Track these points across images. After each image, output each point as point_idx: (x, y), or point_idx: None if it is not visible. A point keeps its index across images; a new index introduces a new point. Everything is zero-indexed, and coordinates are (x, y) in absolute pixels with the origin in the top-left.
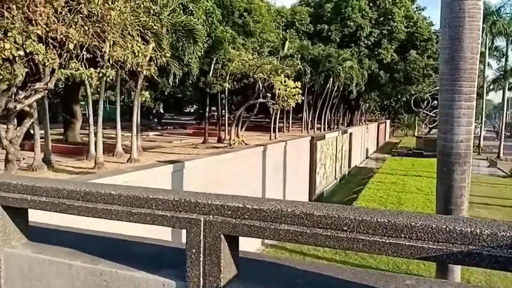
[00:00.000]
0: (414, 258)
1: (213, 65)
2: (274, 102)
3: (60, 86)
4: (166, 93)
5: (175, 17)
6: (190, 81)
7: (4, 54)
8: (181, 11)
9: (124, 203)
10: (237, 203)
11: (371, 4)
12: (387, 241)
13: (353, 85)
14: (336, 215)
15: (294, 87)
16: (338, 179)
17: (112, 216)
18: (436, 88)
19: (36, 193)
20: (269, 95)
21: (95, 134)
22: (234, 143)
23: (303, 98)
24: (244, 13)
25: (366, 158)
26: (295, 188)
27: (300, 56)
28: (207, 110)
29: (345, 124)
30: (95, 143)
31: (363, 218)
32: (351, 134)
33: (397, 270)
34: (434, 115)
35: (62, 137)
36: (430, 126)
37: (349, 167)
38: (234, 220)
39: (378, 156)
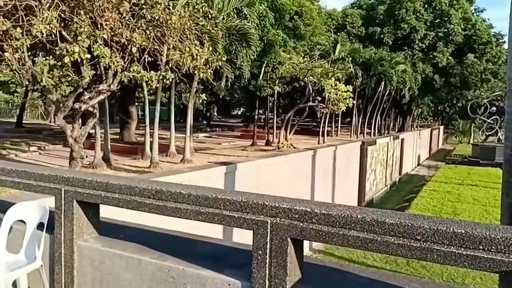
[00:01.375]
0: (493, 272)
1: (263, 68)
2: (324, 105)
3: (117, 88)
4: (220, 96)
5: (229, 21)
6: (241, 84)
7: (73, 57)
8: (235, 15)
9: (193, 202)
10: (305, 207)
11: (426, 6)
12: (464, 253)
13: (406, 89)
14: (409, 224)
15: (345, 91)
16: (388, 186)
17: (181, 215)
18: (495, 94)
19: (110, 190)
20: (319, 98)
21: (151, 135)
22: (283, 146)
23: (354, 101)
24: (294, 16)
25: (418, 165)
26: (344, 193)
27: (351, 59)
28: (256, 112)
29: (396, 129)
30: (150, 143)
31: (438, 227)
32: (402, 139)
33: (452, 284)
34: (492, 122)
35: (118, 136)
36: (487, 133)
37: (400, 174)
38: (301, 224)
39: (430, 163)
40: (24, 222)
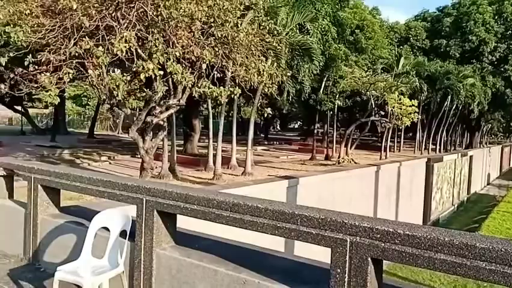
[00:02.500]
0: None
1: (323, 83)
2: (387, 120)
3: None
4: (278, 111)
5: (292, 37)
6: (302, 98)
7: (148, 74)
8: (297, 31)
9: (270, 217)
10: (387, 226)
11: (496, 17)
12: None
13: (475, 104)
14: (502, 249)
15: (409, 105)
16: (456, 206)
17: (258, 228)
18: None
19: (189, 201)
20: (382, 112)
21: (213, 148)
22: (343, 161)
23: (419, 116)
24: (355, 30)
25: (488, 184)
26: (409, 212)
27: (415, 72)
28: (315, 126)
29: (463, 146)
30: (213, 155)
31: None
32: (471, 156)
33: None
34: None
35: (181, 148)
36: None
37: (468, 193)
38: (382, 244)
39: (501, 182)
40: (108, 230)
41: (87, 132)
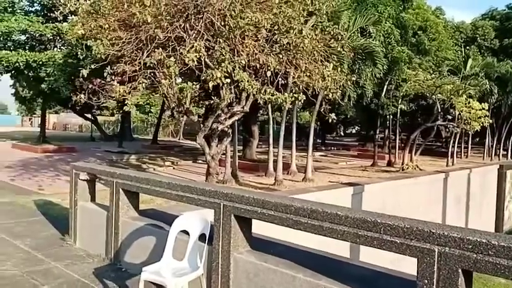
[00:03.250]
0: None
1: (385, 86)
2: (455, 125)
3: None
4: (347, 116)
5: (354, 41)
6: (364, 103)
7: (216, 82)
8: (359, 34)
9: (351, 225)
10: (479, 237)
11: None
12: None
13: None
14: None
15: (480, 109)
16: None
17: (338, 236)
18: None
19: (266, 207)
20: (449, 117)
21: (273, 153)
22: (407, 168)
23: (490, 120)
24: (418, 31)
25: None
26: (479, 221)
27: (484, 74)
28: (377, 132)
29: None
30: (273, 161)
31: None
32: None
33: None
34: None
35: (240, 154)
36: None
37: None
38: (474, 255)
39: None
40: (187, 233)
41: (150, 138)
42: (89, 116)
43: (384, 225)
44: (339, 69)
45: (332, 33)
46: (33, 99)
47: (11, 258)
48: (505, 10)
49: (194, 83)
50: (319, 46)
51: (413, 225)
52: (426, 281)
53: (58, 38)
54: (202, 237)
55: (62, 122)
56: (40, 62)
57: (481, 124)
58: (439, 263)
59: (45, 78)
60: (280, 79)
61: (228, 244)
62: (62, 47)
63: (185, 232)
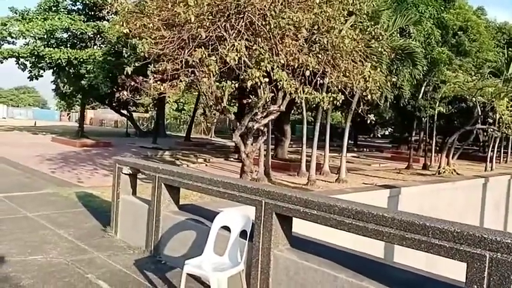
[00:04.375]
0: None
1: (423, 88)
2: (495, 129)
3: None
4: (387, 117)
5: (394, 41)
6: (401, 104)
7: (254, 81)
8: (398, 34)
9: (397, 227)
10: None
11: None
12: None
13: None
14: None
15: None
16: None
17: (383, 238)
18: None
19: (309, 206)
20: (490, 120)
21: (307, 154)
22: (444, 172)
23: None
24: (458, 32)
25: None
26: None
27: None
28: (413, 134)
29: None
30: (306, 161)
31: None
32: None
33: None
34: None
35: (272, 153)
36: None
37: None
38: None
39: None
40: (229, 229)
41: (183, 135)
42: (124, 112)
43: (433, 229)
44: (378, 69)
45: (372, 33)
46: (73, 95)
47: (57, 247)
48: None
49: (233, 81)
50: (359, 46)
51: (464, 230)
52: (475, 286)
53: (98, 36)
54: (243, 233)
55: (99, 118)
56: (81, 59)
57: None
58: (490, 269)
59: (85, 75)
60: (318, 79)
61: (268, 241)
62: (102, 45)
63: (227, 228)
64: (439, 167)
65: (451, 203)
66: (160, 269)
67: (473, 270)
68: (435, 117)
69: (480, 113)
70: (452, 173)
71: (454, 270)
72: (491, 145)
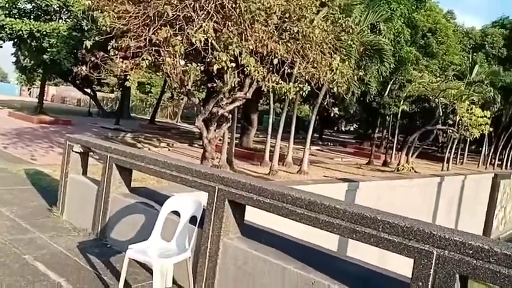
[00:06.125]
0: None
1: (389, 85)
2: (454, 130)
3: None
4: (351, 111)
5: (364, 36)
6: (367, 100)
7: (221, 65)
8: (368, 30)
9: (348, 219)
10: (481, 243)
11: None
12: None
13: None
14: None
15: (481, 116)
16: None
17: (334, 230)
18: None
19: (263, 194)
20: (450, 122)
21: (271, 144)
22: (403, 169)
23: (490, 128)
24: (427, 33)
25: None
26: (468, 228)
27: (489, 82)
28: (376, 131)
29: None
30: (270, 151)
31: None
32: None
33: None
34: None
35: (237, 141)
36: None
37: None
38: (474, 261)
39: None
40: (179, 214)
41: (148, 118)
42: (88, 90)
43: (384, 223)
44: (346, 62)
45: (343, 25)
46: (34, 69)
47: None
48: None
49: (198, 64)
50: (329, 38)
51: (413, 225)
52: (420, 283)
53: (64, 9)
54: (193, 219)
55: (61, 95)
56: (44, 32)
57: (481, 132)
58: (436, 266)
59: (48, 49)
60: (286, 68)
61: (218, 229)
62: (67, 19)
63: (177, 213)
64: (398, 164)
65: (406, 199)
66: (105, 253)
67: (419, 267)
68: (399, 116)
69: (441, 114)
70: (410, 170)
71: (404, 265)
72: (449, 146)
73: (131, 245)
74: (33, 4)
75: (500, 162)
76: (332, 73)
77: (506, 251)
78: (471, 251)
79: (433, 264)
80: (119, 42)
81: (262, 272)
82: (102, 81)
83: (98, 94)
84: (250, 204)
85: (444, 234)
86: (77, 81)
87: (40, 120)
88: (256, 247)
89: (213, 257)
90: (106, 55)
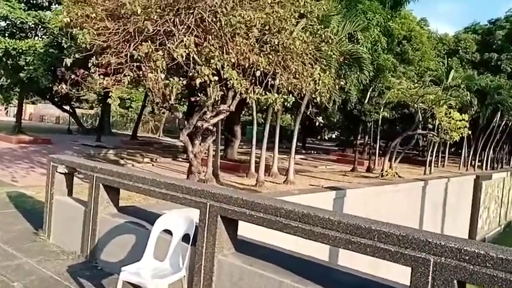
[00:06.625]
0: None
1: (369, 93)
2: (435, 134)
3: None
4: (335, 120)
5: (343, 46)
6: (348, 108)
7: (203, 79)
8: (346, 39)
9: (343, 230)
10: (477, 248)
11: None
12: None
13: None
14: None
15: (459, 120)
16: (502, 226)
17: (329, 241)
18: None
19: (255, 209)
20: (430, 126)
21: (256, 155)
22: (387, 174)
23: (469, 131)
24: (403, 41)
25: None
26: (454, 230)
27: (464, 86)
28: (358, 138)
29: (511, 164)
30: (255, 162)
31: None
32: None
33: None
34: None
35: (221, 153)
36: None
37: None
38: (471, 267)
39: None
40: (171, 233)
41: (129, 133)
42: (67, 108)
43: (379, 233)
44: (327, 72)
45: (322, 36)
46: (10, 88)
47: None
48: (487, 25)
49: (181, 78)
50: (309, 49)
51: (409, 234)
52: None
53: (40, 26)
54: (185, 237)
55: (39, 113)
56: (20, 50)
57: (460, 134)
58: (434, 273)
59: (25, 67)
60: (269, 80)
61: (212, 246)
62: (43, 36)
63: (169, 232)
64: (382, 170)
65: (392, 204)
66: (96, 276)
67: (417, 275)
68: (380, 122)
69: (421, 119)
70: (394, 175)
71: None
72: (430, 150)
73: (124, 267)
74: (7, 22)
75: (480, 164)
76: (314, 83)
77: (502, 255)
78: (467, 257)
79: (431, 272)
80: (100, 59)
81: (259, 287)
82: (81, 97)
83: (78, 111)
84: (243, 219)
85: (440, 241)
86: (56, 99)
87: (19, 140)
88: (251, 262)
89: (207, 274)
90: (86, 72)
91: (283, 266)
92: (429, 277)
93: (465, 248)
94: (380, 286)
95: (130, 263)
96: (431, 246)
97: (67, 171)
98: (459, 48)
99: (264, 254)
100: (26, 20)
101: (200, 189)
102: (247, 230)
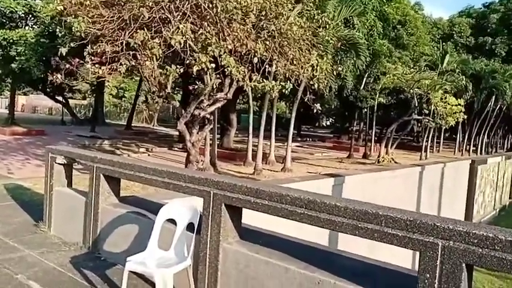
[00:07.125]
0: None
1: (365, 79)
2: (430, 119)
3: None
4: (332, 106)
5: (339, 31)
6: (344, 94)
7: (200, 66)
8: (342, 25)
9: (350, 216)
10: (485, 231)
11: None
12: None
13: None
14: None
15: (455, 105)
16: (497, 210)
17: (336, 228)
18: None
19: (260, 196)
20: (426, 111)
21: (252, 143)
22: (383, 160)
23: (465, 116)
24: (397, 25)
25: None
26: (450, 215)
27: (459, 70)
28: (354, 124)
29: (505, 149)
30: (252, 150)
31: None
32: None
33: None
34: None
35: (218, 142)
36: None
37: (510, 197)
38: (480, 250)
39: None
40: (175, 222)
41: (123, 123)
42: (60, 98)
43: (386, 218)
44: (325, 58)
45: (319, 21)
46: (2, 79)
47: None
48: (481, 8)
49: (178, 66)
50: (306, 34)
51: (417, 218)
52: (428, 275)
53: (30, 16)
54: (189, 226)
55: (32, 104)
56: (11, 41)
57: (456, 119)
58: (442, 257)
59: (16, 58)
60: (267, 66)
61: (217, 234)
62: (34, 26)
63: (172, 221)
64: (379, 156)
65: (390, 190)
66: (99, 266)
67: (426, 259)
68: (375, 108)
69: (416, 104)
70: (390, 161)
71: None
72: (425, 135)
73: (130, 257)
74: None
75: (474, 148)
76: (312, 69)
77: (510, 238)
78: (476, 240)
79: (439, 256)
80: (95, 47)
81: (265, 274)
82: (74, 88)
83: (70, 101)
84: (247, 207)
85: (448, 225)
86: (48, 90)
87: (13, 132)
88: (256, 250)
89: (213, 263)
90: (81, 61)
91: (288, 253)
92: (438, 261)
93: (473, 232)
94: (389, 271)
95: (133, 253)
96: (439, 230)
97: (65, 162)
98: (453, 32)
99: (268, 242)
100: (16, 9)
101: (203, 178)
102: (247, 218)
